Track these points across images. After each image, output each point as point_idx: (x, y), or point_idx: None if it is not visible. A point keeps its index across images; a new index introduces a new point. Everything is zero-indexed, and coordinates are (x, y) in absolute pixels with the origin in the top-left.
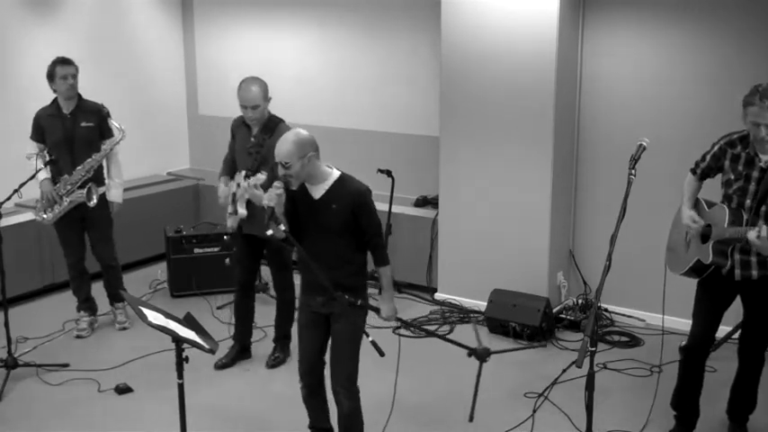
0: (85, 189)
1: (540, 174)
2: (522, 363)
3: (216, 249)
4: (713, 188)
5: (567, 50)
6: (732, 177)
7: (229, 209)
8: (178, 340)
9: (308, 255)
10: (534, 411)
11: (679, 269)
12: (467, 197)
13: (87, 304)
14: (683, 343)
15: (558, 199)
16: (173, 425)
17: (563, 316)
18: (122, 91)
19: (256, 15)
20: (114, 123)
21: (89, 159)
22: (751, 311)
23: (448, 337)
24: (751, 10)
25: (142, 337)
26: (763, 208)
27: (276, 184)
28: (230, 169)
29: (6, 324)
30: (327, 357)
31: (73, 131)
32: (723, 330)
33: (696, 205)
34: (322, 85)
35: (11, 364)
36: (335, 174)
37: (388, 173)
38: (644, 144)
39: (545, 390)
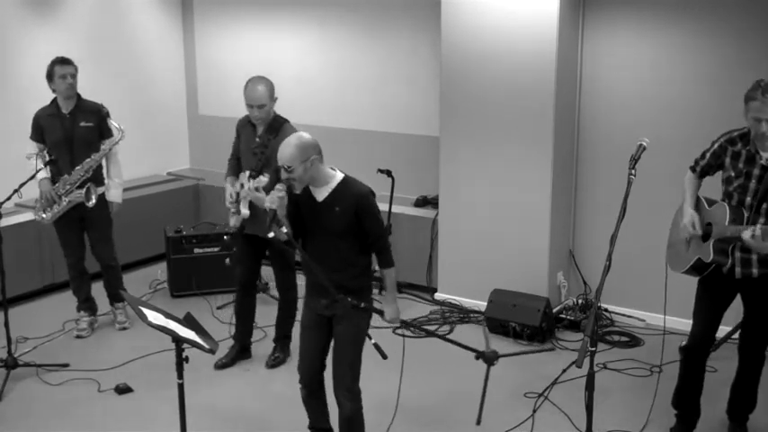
0: (84, 189)
1: (540, 174)
2: (522, 363)
3: (216, 249)
4: (713, 186)
5: (567, 50)
6: (732, 175)
7: (232, 208)
8: (178, 340)
9: (311, 257)
10: (534, 411)
11: (680, 267)
12: (467, 197)
13: (87, 304)
14: (684, 343)
15: (558, 199)
16: (173, 425)
17: (563, 316)
18: (122, 91)
19: (256, 15)
20: (113, 123)
21: (88, 159)
22: (751, 310)
23: (455, 340)
24: (751, 9)
25: (142, 337)
26: (764, 206)
27: (278, 186)
28: (235, 170)
29: (6, 324)
30: (328, 359)
31: (72, 131)
32: (723, 330)
33: (697, 203)
34: (322, 84)
35: (11, 364)
36: (339, 176)
37: (388, 173)
38: (644, 144)
39: (545, 390)
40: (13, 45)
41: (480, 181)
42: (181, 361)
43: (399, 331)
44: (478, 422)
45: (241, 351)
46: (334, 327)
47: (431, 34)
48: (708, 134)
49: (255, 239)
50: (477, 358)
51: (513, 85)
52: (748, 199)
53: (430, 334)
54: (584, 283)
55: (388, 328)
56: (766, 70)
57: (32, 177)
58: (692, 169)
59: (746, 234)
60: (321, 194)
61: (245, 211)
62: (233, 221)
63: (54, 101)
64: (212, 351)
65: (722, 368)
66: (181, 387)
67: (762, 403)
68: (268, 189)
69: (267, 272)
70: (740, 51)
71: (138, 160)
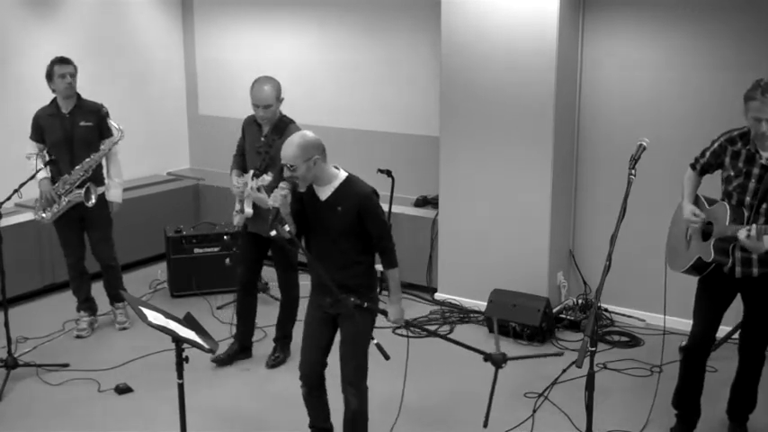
0: (84, 189)
1: (540, 174)
2: (522, 363)
3: (216, 249)
4: (713, 185)
5: (568, 50)
6: (732, 174)
7: (237, 206)
8: (178, 340)
9: (315, 255)
10: (534, 411)
11: (680, 267)
12: (467, 197)
13: (87, 304)
14: (684, 343)
15: (558, 199)
16: (173, 425)
17: (563, 316)
18: (122, 91)
19: (256, 15)
20: (113, 123)
21: (88, 159)
22: (751, 309)
23: (462, 342)
24: (750, 11)
25: (142, 337)
26: (764, 206)
27: (282, 185)
28: (240, 164)
29: (6, 324)
30: (332, 358)
31: (72, 131)
32: (723, 330)
33: (696, 202)
34: (322, 84)
35: (11, 364)
36: (342, 175)
37: (388, 173)
38: (644, 144)
39: (545, 390)
40: (14, 45)
41: (480, 181)
42: (181, 361)
43: (399, 331)
44: (485, 425)
45: (240, 350)
46: (339, 325)
47: (431, 34)
48: (708, 134)
49: (258, 238)
50: (486, 360)
51: (514, 85)
52: (748, 198)
53: (437, 336)
54: (585, 283)
55: (388, 327)
56: (766, 70)
57: (32, 177)
58: (693, 167)
59: (742, 233)
60: (324, 193)
61: (248, 210)
62: (236, 220)
63: (54, 101)
64: (212, 351)
65: (722, 368)
66: (181, 387)
67: (762, 403)
68: (272, 188)
69: (267, 272)
70: (739, 52)
71: (138, 160)
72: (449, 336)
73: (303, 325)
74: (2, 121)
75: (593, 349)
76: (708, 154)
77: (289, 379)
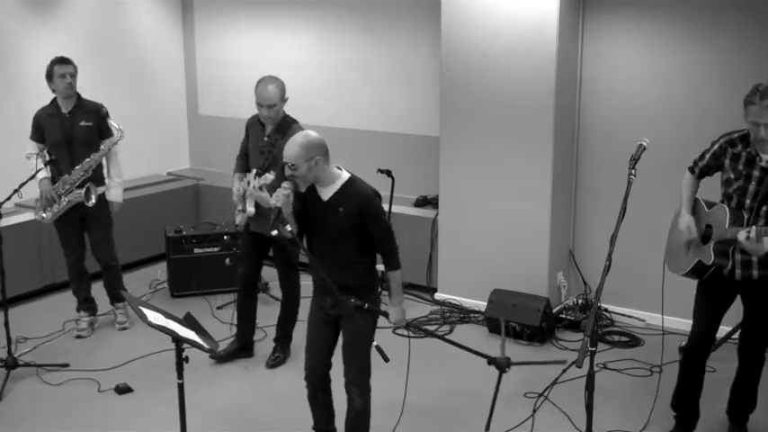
0: (84, 189)
1: (541, 174)
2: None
3: (216, 249)
4: (712, 187)
5: (567, 51)
6: (732, 176)
7: (239, 206)
8: (178, 340)
9: (316, 255)
10: (534, 411)
11: (679, 270)
12: (467, 197)
13: (87, 304)
14: (683, 343)
15: (558, 199)
16: (173, 425)
17: (563, 316)
18: (122, 91)
19: (256, 15)
20: (113, 123)
21: (88, 159)
22: (751, 311)
23: (466, 345)
24: (750, 11)
25: (142, 337)
26: (764, 208)
27: (284, 184)
28: (243, 167)
29: (6, 324)
30: (336, 359)
31: (72, 131)
32: (723, 330)
33: (695, 206)
34: (322, 84)
35: (11, 364)
36: (345, 176)
37: (388, 173)
38: (644, 144)
39: (545, 390)
40: (14, 45)
41: (480, 181)
42: (181, 361)
43: (400, 331)
44: (487, 428)
45: (241, 349)
46: (341, 326)
47: (431, 34)
48: (708, 134)
49: (260, 238)
50: (490, 364)
51: (514, 85)
52: (748, 201)
53: (441, 339)
54: (585, 283)
55: (389, 327)
56: (766, 70)
57: (32, 177)
58: (691, 170)
59: (741, 235)
60: (326, 194)
61: (250, 209)
62: (238, 219)
63: (54, 101)
64: (212, 351)
65: (722, 368)
66: (181, 387)
67: (762, 403)
68: (274, 187)
69: (268, 272)
70: (740, 52)
71: (138, 160)
72: (453, 338)
73: (306, 326)
74: (2, 121)
75: (593, 349)
76: (708, 156)
77: (289, 379)
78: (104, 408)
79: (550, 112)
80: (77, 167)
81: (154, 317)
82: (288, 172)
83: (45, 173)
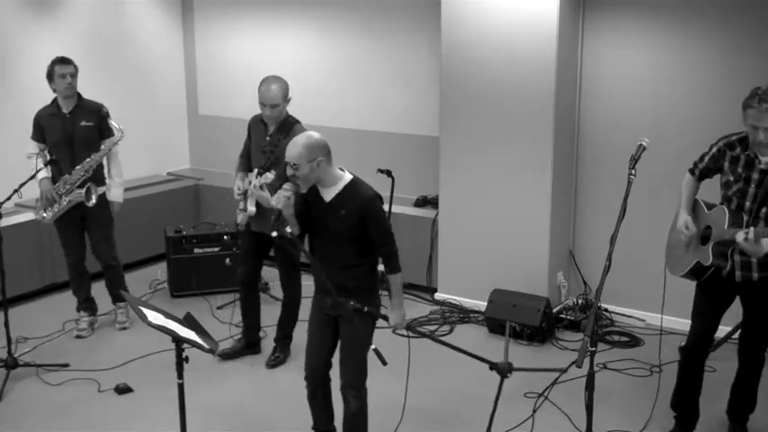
0: (84, 189)
1: (540, 174)
2: (522, 363)
3: (216, 249)
4: (712, 190)
5: (567, 51)
6: (731, 179)
7: (240, 205)
8: (178, 340)
9: (317, 256)
10: (534, 411)
11: (679, 271)
12: (467, 197)
13: (87, 304)
14: (683, 343)
15: (558, 199)
16: (173, 425)
17: (563, 316)
18: (122, 91)
19: (256, 15)
20: (113, 123)
21: (88, 159)
22: (751, 312)
23: (469, 351)
24: (751, 11)
25: (142, 337)
26: (764, 210)
27: (285, 186)
28: (245, 166)
29: (6, 324)
30: (335, 359)
31: (72, 131)
32: (723, 330)
33: (695, 207)
34: (322, 85)
35: (11, 364)
36: (347, 178)
37: (388, 173)
38: (644, 144)
39: (545, 390)
40: (14, 45)
41: (480, 181)
42: (181, 361)
43: (399, 332)
44: None
45: (247, 346)
46: (340, 326)
47: (431, 34)
48: (708, 135)
49: (260, 237)
50: (491, 369)
51: (514, 85)
52: (747, 203)
53: (443, 343)
54: (585, 283)
55: (389, 328)
56: (766, 71)
57: (32, 177)
58: (691, 172)
59: (740, 237)
60: (328, 195)
61: (251, 209)
62: (240, 218)
63: (55, 100)
64: (212, 351)
65: (722, 368)
66: (181, 387)
67: (762, 404)
68: (275, 186)
69: (268, 271)
70: (740, 52)
71: (138, 160)
72: (453, 338)
73: (307, 325)
74: (2, 121)
75: (593, 349)
76: (707, 159)
77: (289, 379)
78: (104, 408)
79: (550, 112)
80: (78, 167)
81: (154, 317)
82: (290, 172)
83: (45, 173)
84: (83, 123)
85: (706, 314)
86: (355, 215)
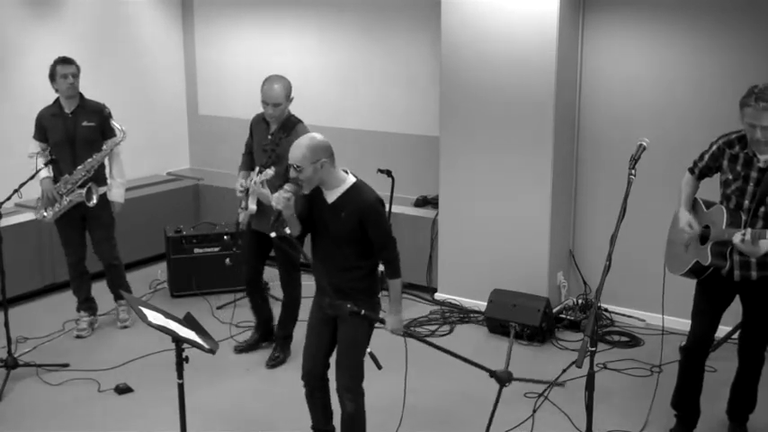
0: (85, 189)
1: (541, 173)
2: (522, 363)
3: (216, 249)
4: (712, 188)
5: (567, 50)
6: (730, 177)
7: (242, 203)
8: (178, 340)
9: (318, 257)
10: (534, 411)
11: (678, 270)
12: (467, 197)
13: (87, 304)
14: (683, 343)
15: (558, 199)
16: (173, 425)
17: (563, 316)
18: (122, 91)
19: (256, 16)
20: (115, 124)
21: (89, 159)
22: (750, 312)
23: (468, 358)
24: (751, 11)
25: (142, 336)
26: (762, 209)
27: (286, 187)
28: (248, 164)
29: (6, 324)
30: (333, 360)
31: (74, 131)
32: (723, 330)
33: (694, 205)
34: (322, 85)
35: (11, 364)
36: (350, 180)
37: (388, 173)
38: (644, 144)
39: (545, 390)
40: (14, 45)
41: (480, 181)
42: (181, 361)
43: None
44: None
45: (261, 339)
46: (338, 327)
47: (431, 34)
48: (709, 134)
49: (261, 236)
50: (491, 377)
51: (514, 85)
52: (746, 202)
53: (445, 351)
54: (585, 283)
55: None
56: (766, 70)
57: (32, 177)
58: (691, 171)
59: (737, 238)
60: (331, 197)
61: (252, 207)
62: (241, 217)
63: (57, 100)
64: (212, 351)
65: (722, 368)
66: (181, 387)
67: (762, 403)
68: (273, 184)
69: (268, 271)
70: (741, 51)
71: (138, 160)
72: (453, 338)
73: (306, 324)
74: (2, 121)
75: (593, 349)
76: (706, 157)
77: (289, 379)
78: (104, 408)
79: (550, 112)
80: (79, 167)
81: (154, 317)
82: (293, 173)
83: (47, 172)
84: (85, 123)
85: (706, 314)
86: (355, 218)
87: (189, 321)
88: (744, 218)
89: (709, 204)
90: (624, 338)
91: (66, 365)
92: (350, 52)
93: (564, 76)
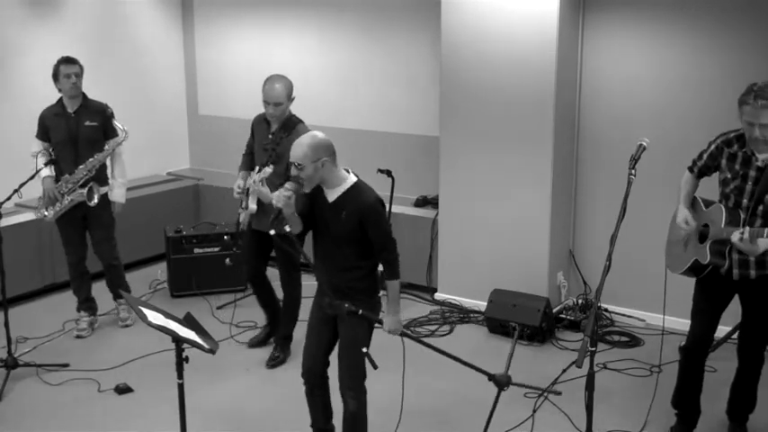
0: (86, 188)
1: (541, 173)
2: (522, 363)
3: (216, 249)
4: (711, 187)
5: (567, 50)
6: (729, 176)
7: (242, 203)
8: (178, 340)
9: (318, 255)
10: (534, 411)
11: (678, 269)
12: (467, 197)
13: (87, 304)
14: (683, 343)
15: (558, 199)
16: (173, 425)
17: (563, 316)
18: (122, 91)
19: (256, 16)
20: (118, 124)
21: (91, 159)
22: (749, 311)
23: (466, 361)
24: (750, 10)
25: (142, 336)
26: (761, 208)
27: (287, 185)
28: (248, 164)
29: (6, 324)
30: (333, 358)
31: (77, 130)
32: (722, 330)
33: (693, 204)
34: (322, 85)
35: (11, 364)
36: (351, 180)
37: (388, 173)
38: (644, 144)
39: (544, 390)
40: (14, 45)
41: (480, 181)
42: (181, 361)
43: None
44: None
45: (273, 332)
46: (338, 327)
47: (431, 34)
48: (709, 133)
49: (261, 235)
50: (490, 380)
51: (514, 85)
52: (745, 201)
53: (445, 354)
54: (585, 283)
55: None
56: (766, 70)
57: (32, 177)
58: (690, 170)
59: (735, 237)
60: (331, 196)
61: (252, 206)
62: (242, 217)
63: (60, 100)
64: (212, 351)
65: (722, 368)
66: (181, 387)
67: (762, 403)
68: (273, 182)
69: (268, 271)
70: (741, 51)
71: (138, 160)
72: (453, 339)
73: (307, 323)
74: (2, 121)
75: (593, 349)
76: (705, 156)
77: (289, 379)
78: (104, 408)
79: (550, 112)
80: (81, 167)
81: (154, 317)
82: (294, 171)
83: (49, 171)
84: (87, 123)
85: (705, 313)
86: (355, 218)
87: (189, 321)
88: (742, 216)
89: (708, 203)
90: (624, 338)
91: (66, 365)
92: (350, 52)
93: (564, 76)
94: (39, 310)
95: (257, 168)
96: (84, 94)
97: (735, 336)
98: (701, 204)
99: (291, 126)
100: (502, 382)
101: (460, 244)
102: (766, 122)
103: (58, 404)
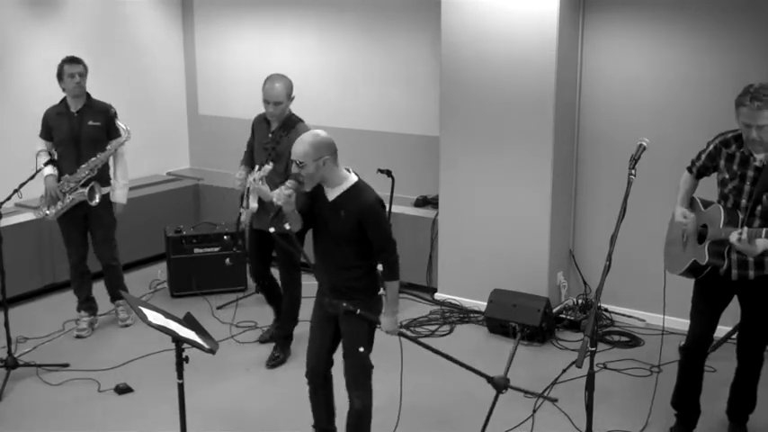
0: (88, 188)
1: (540, 173)
2: (522, 363)
3: (216, 249)
4: (710, 187)
5: (567, 50)
6: (727, 177)
7: (243, 203)
8: (178, 340)
9: (319, 254)
10: (534, 411)
11: (677, 269)
12: (467, 197)
13: (88, 304)
14: (682, 343)
15: (558, 199)
16: (173, 425)
17: (563, 316)
18: (122, 91)
19: (256, 16)
20: (121, 124)
21: (93, 158)
22: (748, 311)
23: (465, 363)
24: (750, 10)
25: (142, 336)
26: (759, 208)
27: (287, 183)
28: (249, 161)
29: (6, 324)
30: (336, 357)
31: (79, 130)
32: (722, 330)
33: (692, 204)
34: (322, 85)
35: (11, 364)
36: (352, 179)
37: (388, 173)
38: (644, 144)
39: (545, 390)
40: (14, 45)
41: (480, 181)
42: (181, 361)
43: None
44: None
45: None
46: (340, 325)
47: (431, 34)
48: (708, 134)
49: (263, 234)
50: (488, 383)
51: (514, 85)
52: (743, 201)
53: (443, 356)
54: (585, 283)
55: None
56: (766, 70)
57: (32, 177)
58: (689, 170)
59: (733, 237)
60: (332, 195)
61: (253, 205)
62: (244, 217)
63: (64, 99)
64: (212, 351)
65: (722, 368)
66: (181, 387)
67: (762, 403)
68: (275, 183)
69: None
70: (741, 51)
71: (138, 160)
72: (453, 338)
73: (310, 322)
74: (2, 121)
75: (593, 349)
76: (703, 156)
77: (289, 379)
78: (104, 408)
79: (550, 112)
80: (83, 166)
81: (154, 317)
82: (295, 169)
83: (51, 170)
84: (90, 123)
85: (704, 314)
86: (354, 218)
87: (189, 321)
88: (741, 217)
89: (706, 204)
90: (624, 338)
91: (66, 365)
92: (350, 52)
93: (564, 76)
94: (39, 310)
95: (257, 167)
96: (88, 94)
97: (734, 336)
98: (700, 205)
99: (291, 125)
100: (500, 385)
101: (460, 244)
102: (763, 124)
103: (58, 404)
